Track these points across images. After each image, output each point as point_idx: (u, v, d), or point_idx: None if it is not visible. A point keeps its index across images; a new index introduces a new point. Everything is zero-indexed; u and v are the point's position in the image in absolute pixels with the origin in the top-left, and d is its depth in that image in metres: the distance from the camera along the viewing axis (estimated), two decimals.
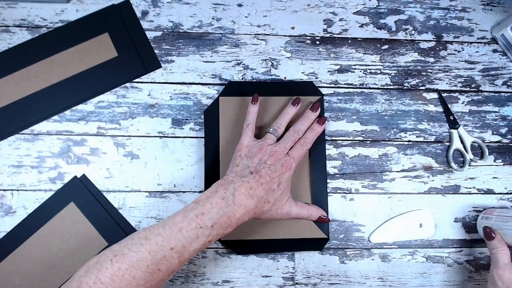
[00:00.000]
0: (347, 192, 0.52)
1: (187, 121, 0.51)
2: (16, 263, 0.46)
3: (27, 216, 0.48)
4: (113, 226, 0.48)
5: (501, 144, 0.54)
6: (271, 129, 0.47)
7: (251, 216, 0.42)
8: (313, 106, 0.49)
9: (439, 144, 0.54)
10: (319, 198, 0.50)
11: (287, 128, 0.48)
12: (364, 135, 0.53)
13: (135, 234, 0.38)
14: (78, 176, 0.49)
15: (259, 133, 0.50)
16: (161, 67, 0.52)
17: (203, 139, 0.51)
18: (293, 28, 0.55)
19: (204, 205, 0.40)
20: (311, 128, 0.48)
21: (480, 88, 0.55)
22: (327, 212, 0.50)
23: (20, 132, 0.49)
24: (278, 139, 0.47)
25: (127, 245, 0.37)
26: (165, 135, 0.51)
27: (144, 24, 0.53)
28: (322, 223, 0.49)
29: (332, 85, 0.54)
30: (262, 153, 0.44)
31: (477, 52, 0.56)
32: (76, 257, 0.47)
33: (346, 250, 0.50)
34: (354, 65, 0.54)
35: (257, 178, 0.42)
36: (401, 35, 0.56)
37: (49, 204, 0.48)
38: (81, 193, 0.48)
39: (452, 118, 0.54)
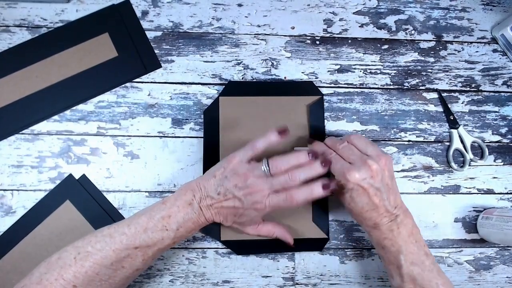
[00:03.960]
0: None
1: (187, 121, 0.51)
2: (13, 262, 0.46)
3: (23, 215, 0.48)
4: (109, 223, 0.48)
5: (501, 144, 0.54)
6: (266, 164, 0.41)
7: (213, 222, 0.43)
8: (325, 161, 0.42)
9: (439, 144, 0.54)
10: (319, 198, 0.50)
11: None
12: (364, 135, 0.53)
13: (99, 231, 0.39)
14: (78, 176, 0.49)
15: (251, 134, 0.50)
16: (161, 67, 0.52)
17: (203, 139, 0.51)
18: (293, 28, 0.55)
19: (171, 207, 0.40)
20: (311, 191, 0.40)
21: (480, 88, 0.55)
22: (327, 212, 0.50)
23: (20, 132, 0.49)
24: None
25: (90, 242, 0.37)
26: (165, 135, 0.51)
27: (144, 24, 0.53)
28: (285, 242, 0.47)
29: (332, 85, 0.54)
30: (243, 180, 0.40)
31: (477, 52, 0.56)
32: None
33: (346, 250, 0.50)
34: (354, 65, 0.54)
35: (221, 199, 0.41)
36: (401, 35, 0.56)
37: (45, 203, 0.48)
38: (76, 190, 0.48)
39: (452, 118, 0.54)
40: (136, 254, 0.38)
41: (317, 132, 0.51)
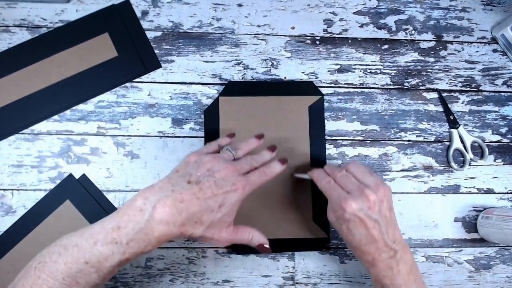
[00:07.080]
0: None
1: (187, 121, 0.51)
2: (13, 262, 0.46)
3: (23, 215, 0.48)
4: None
5: (501, 143, 0.54)
6: (229, 147, 0.43)
7: (177, 236, 0.35)
8: (271, 147, 0.45)
9: (439, 144, 0.54)
10: (319, 198, 0.50)
11: None
12: (364, 135, 0.53)
13: (59, 240, 0.35)
14: (78, 176, 0.49)
15: (251, 134, 0.49)
16: (161, 67, 0.52)
17: (203, 139, 0.51)
18: (293, 28, 0.55)
19: (122, 216, 0.34)
20: (270, 167, 0.43)
21: (480, 88, 0.55)
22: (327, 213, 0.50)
23: (20, 132, 0.49)
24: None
25: (49, 251, 0.34)
26: (165, 135, 0.51)
27: (144, 24, 0.53)
28: (263, 252, 0.43)
29: (332, 85, 0.54)
30: (215, 163, 0.38)
31: (477, 52, 0.56)
32: None
33: (346, 249, 0.50)
34: (354, 65, 0.54)
35: (195, 191, 0.35)
36: (401, 35, 0.56)
37: (45, 202, 0.48)
38: (76, 190, 0.48)
39: (452, 118, 0.54)
40: (89, 270, 0.33)
41: (317, 132, 0.51)
